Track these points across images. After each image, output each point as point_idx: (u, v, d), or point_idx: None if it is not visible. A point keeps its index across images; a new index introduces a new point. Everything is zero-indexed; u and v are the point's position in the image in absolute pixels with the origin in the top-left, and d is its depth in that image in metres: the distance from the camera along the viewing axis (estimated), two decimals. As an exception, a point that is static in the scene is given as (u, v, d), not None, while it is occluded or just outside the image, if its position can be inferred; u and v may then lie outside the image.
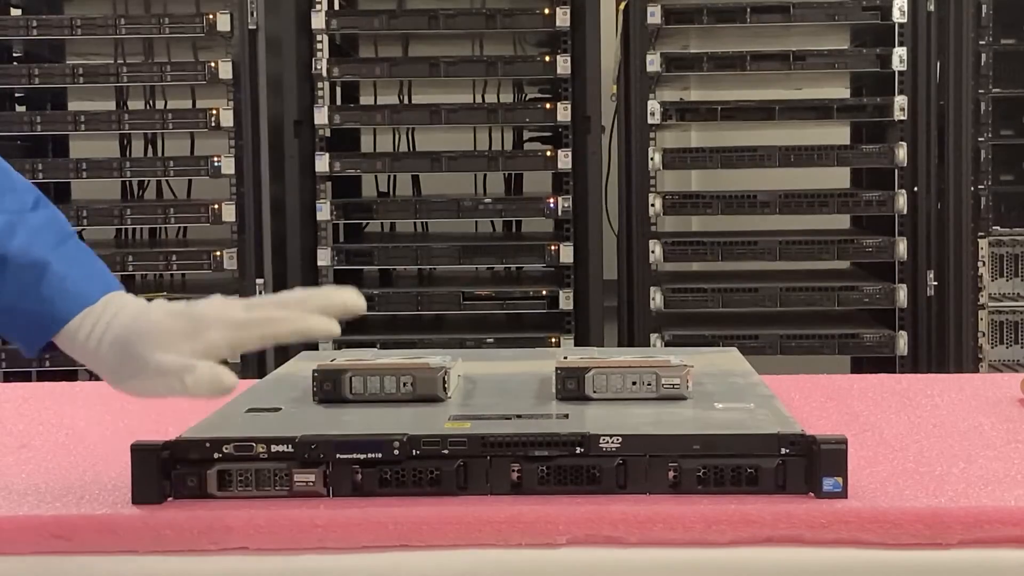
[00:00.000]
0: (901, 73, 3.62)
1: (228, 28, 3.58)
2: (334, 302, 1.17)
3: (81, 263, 1.19)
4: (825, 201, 3.65)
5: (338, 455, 1.15)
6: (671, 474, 1.15)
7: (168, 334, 1.14)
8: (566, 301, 3.64)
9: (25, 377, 3.56)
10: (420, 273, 4.02)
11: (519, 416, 1.24)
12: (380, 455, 1.15)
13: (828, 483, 1.13)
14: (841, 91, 4.00)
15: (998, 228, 3.86)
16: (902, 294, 3.63)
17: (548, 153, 3.67)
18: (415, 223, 3.97)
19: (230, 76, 3.59)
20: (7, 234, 1.16)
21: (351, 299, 1.18)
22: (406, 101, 3.91)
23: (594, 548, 1.10)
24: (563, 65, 3.61)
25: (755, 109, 3.68)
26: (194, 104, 3.81)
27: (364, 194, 4.05)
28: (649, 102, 3.63)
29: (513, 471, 1.15)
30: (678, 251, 3.67)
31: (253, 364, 3.60)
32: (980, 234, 3.72)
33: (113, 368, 1.16)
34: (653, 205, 3.65)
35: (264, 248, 3.65)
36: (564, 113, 3.62)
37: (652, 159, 3.65)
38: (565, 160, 3.63)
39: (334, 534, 1.11)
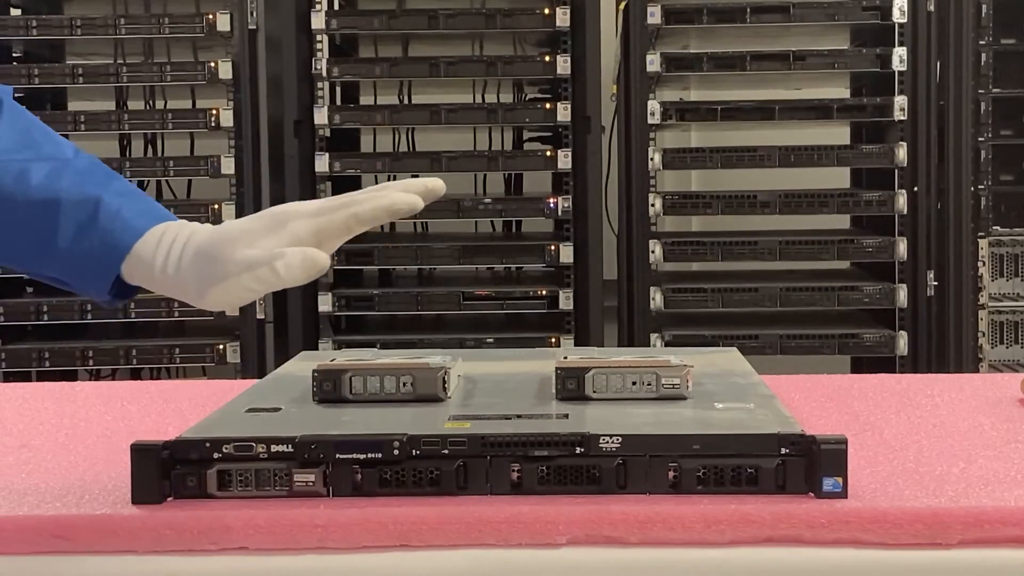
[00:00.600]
0: (901, 73, 3.62)
1: (228, 28, 3.58)
2: (414, 184, 1.17)
3: (134, 196, 1.18)
4: (825, 201, 3.65)
5: (338, 455, 1.15)
6: (671, 474, 1.15)
7: (251, 233, 1.13)
8: (566, 301, 3.64)
9: (25, 377, 3.56)
10: (420, 273, 4.02)
11: (519, 416, 1.24)
12: (380, 455, 1.15)
13: (828, 483, 1.13)
14: (841, 91, 4.00)
15: (998, 228, 3.86)
16: (902, 294, 3.64)
17: (548, 153, 3.67)
18: (415, 223, 3.97)
19: (230, 76, 3.59)
20: (55, 177, 1.15)
21: (432, 182, 1.17)
22: (406, 101, 3.91)
23: (594, 548, 1.10)
24: (563, 65, 3.61)
25: (755, 109, 3.68)
26: (194, 104, 3.81)
27: (364, 194, 4.04)
28: (649, 102, 3.63)
29: (513, 471, 1.15)
30: (678, 251, 3.68)
31: (253, 364, 3.60)
32: (980, 234, 3.73)
33: (198, 280, 1.13)
34: (653, 205, 3.65)
35: (264, 248, 3.64)
36: (564, 113, 3.63)
37: (652, 159, 3.65)
38: (565, 160, 3.63)
39: (334, 534, 1.11)
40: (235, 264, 1.12)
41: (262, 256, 1.11)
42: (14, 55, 3.80)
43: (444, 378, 1.33)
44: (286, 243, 1.13)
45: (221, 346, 3.59)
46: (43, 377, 3.55)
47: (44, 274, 1.19)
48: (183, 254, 1.14)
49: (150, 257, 1.15)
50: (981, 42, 3.72)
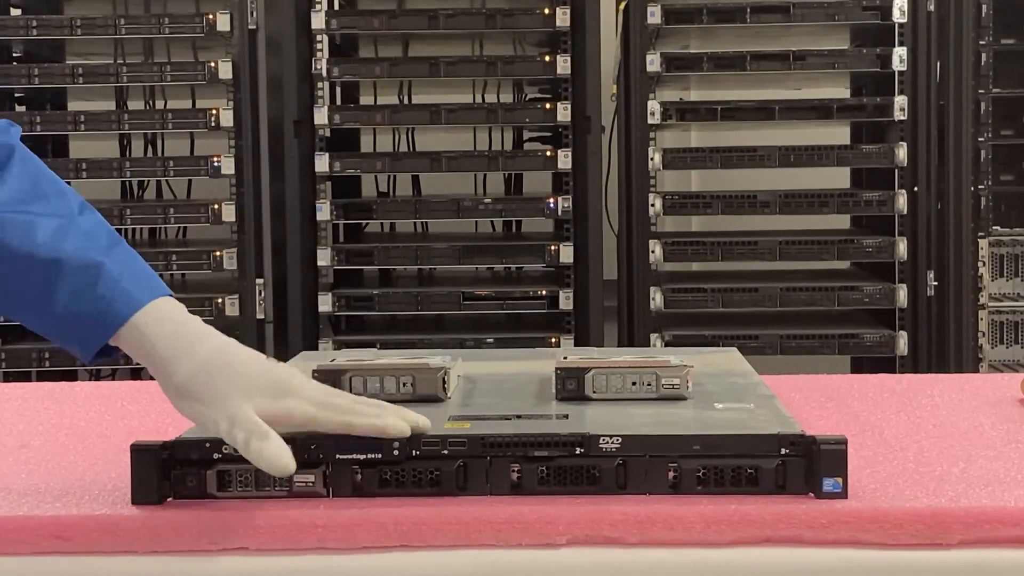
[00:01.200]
0: (901, 73, 3.62)
1: (228, 28, 3.58)
2: (409, 416, 1.17)
3: (134, 264, 1.19)
4: (825, 201, 3.65)
5: (338, 455, 1.15)
6: (671, 474, 1.15)
7: (254, 381, 1.14)
8: (566, 301, 3.64)
9: (25, 377, 3.56)
10: (420, 273, 4.02)
11: (519, 416, 1.24)
12: (380, 455, 1.15)
13: (828, 483, 1.13)
14: (841, 91, 4.00)
15: (998, 228, 3.86)
16: (902, 294, 3.64)
17: (548, 153, 3.67)
18: (415, 223, 3.97)
19: (230, 76, 3.59)
20: (60, 237, 1.16)
21: (423, 422, 1.17)
22: (406, 101, 3.91)
23: (594, 548, 1.10)
24: (563, 65, 3.61)
25: (755, 109, 3.68)
26: (194, 104, 3.81)
27: (364, 194, 4.05)
28: (649, 102, 3.63)
29: (513, 471, 1.15)
30: (678, 251, 3.67)
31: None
32: (980, 234, 3.73)
33: (180, 379, 1.15)
34: (653, 205, 3.65)
35: (264, 248, 3.65)
36: (564, 113, 3.63)
37: (652, 159, 3.65)
38: (565, 160, 3.63)
39: (334, 534, 1.11)
40: (222, 403, 1.13)
41: (248, 422, 1.12)
42: (14, 55, 3.80)
43: (444, 378, 1.33)
44: (274, 417, 1.13)
45: (221, 346, 3.59)
46: (43, 377, 3.55)
47: (31, 326, 1.19)
48: (189, 350, 1.15)
49: (148, 331, 1.16)
50: (981, 42, 3.72)
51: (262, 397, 1.14)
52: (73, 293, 1.15)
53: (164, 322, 1.16)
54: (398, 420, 1.15)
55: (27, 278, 1.15)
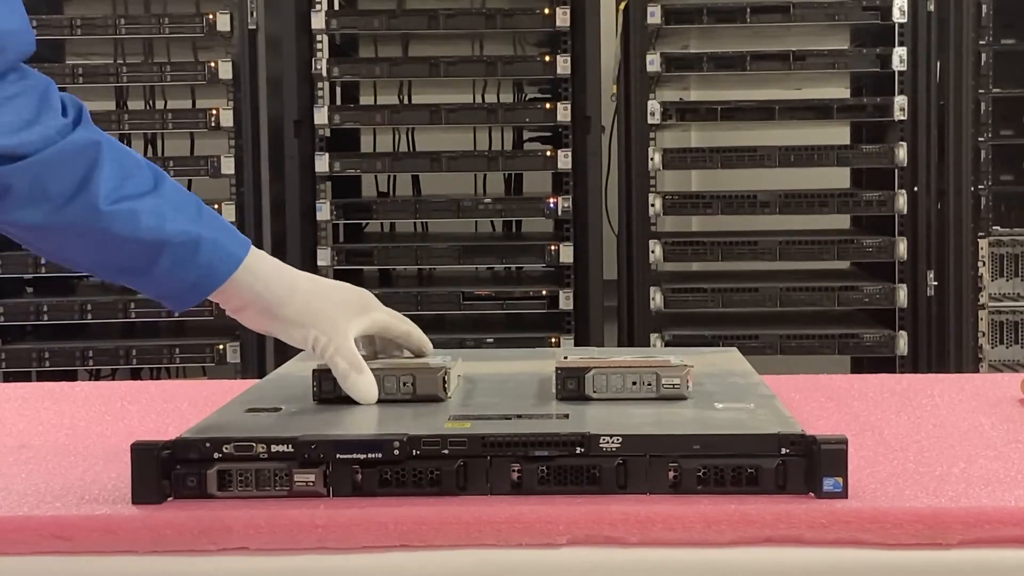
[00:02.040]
0: (901, 73, 3.62)
1: (228, 28, 3.58)
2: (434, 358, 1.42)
3: (220, 225, 1.30)
4: (825, 201, 3.65)
5: (338, 455, 1.15)
6: (671, 474, 1.15)
7: (349, 301, 1.35)
8: (566, 301, 3.64)
9: (25, 377, 3.56)
10: (420, 273, 4.02)
11: (519, 416, 1.24)
12: (380, 455, 1.15)
13: (828, 483, 1.13)
14: (841, 91, 4.00)
15: (998, 228, 3.86)
16: (902, 294, 3.64)
17: (548, 153, 3.67)
18: (415, 223, 3.97)
19: (230, 76, 3.59)
20: (160, 219, 1.25)
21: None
22: (406, 101, 3.91)
23: (594, 548, 1.10)
24: (563, 65, 3.61)
25: (755, 109, 3.68)
26: (194, 104, 3.81)
27: (364, 194, 4.05)
28: (649, 102, 3.63)
29: (513, 471, 1.15)
30: (678, 251, 3.67)
31: (253, 364, 3.60)
32: (980, 234, 3.73)
33: (293, 311, 1.31)
34: (653, 205, 3.65)
35: (264, 248, 3.63)
36: (564, 113, 3.63)
37: (652, 159, 3.65)
38: (565, 160, 3.63)
39: (334, 534, 1.11)
40: (335, 331, 1.32)
41: (351, 357, 1.31)
42: (14, 55, 3.79)
43: (444, 378, 1.33)
44: (368, 326, 1.36)
45: (221, 346, 3.60)
46: (43, 377, 3.55)
47: (128, 284, 1.31)
48: (292, 286, 1.32)
49: (253, 279, 1.30)
50: (981, 42, 3.72)
51: (357, 314, 1.34)
52: (176, 263, 1.26)
53: (261, 270, 1.31)
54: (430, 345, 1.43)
55: (134, 256, 1.25)
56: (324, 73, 3.65)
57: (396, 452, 1.15)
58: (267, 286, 1.31)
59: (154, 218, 1.25)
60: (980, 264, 3.72)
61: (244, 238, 1.32)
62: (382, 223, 3.95)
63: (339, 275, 3.73)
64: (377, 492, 1.15)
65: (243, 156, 3.62)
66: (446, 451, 1.15)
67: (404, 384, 1.33)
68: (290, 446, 1.15)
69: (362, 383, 1.31)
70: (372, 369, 1.32)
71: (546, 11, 3.61)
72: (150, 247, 1.24)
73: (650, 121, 3.63)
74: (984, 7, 3.70)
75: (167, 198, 1.27)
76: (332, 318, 1.32)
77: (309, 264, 3.65)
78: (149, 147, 3.89)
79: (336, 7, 3.77)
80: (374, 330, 1.37)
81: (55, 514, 1.13)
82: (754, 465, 1.15)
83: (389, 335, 1.40)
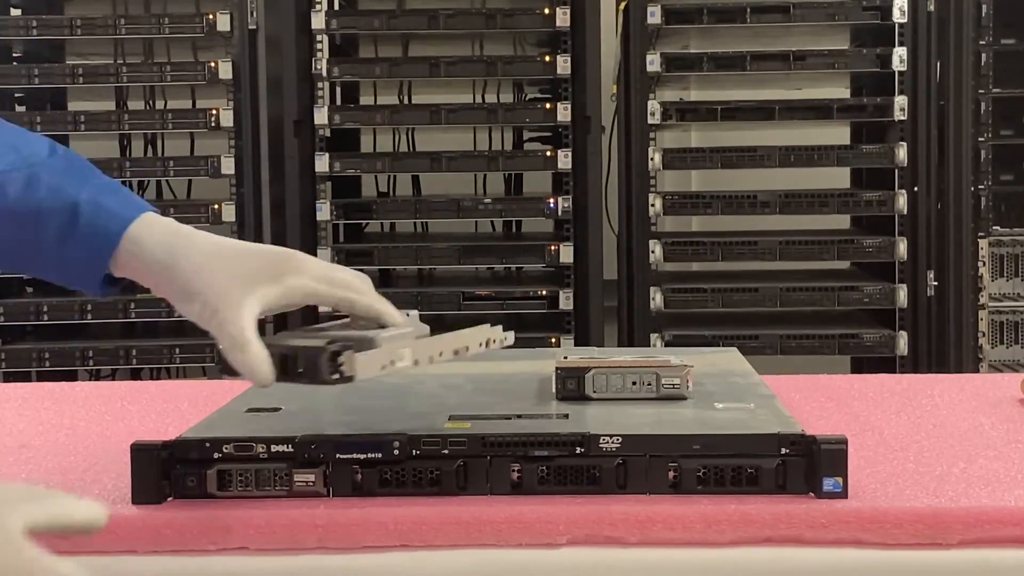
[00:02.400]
0: (901, 73, 3.62)
1: (228, 28, 3.58)
2: (398, 319, 1.18)
3: (111, 190, 1.18)
4: (825, 201, 3.65)
5: (338, 455, 1.15)
6: (671, 474, 1.15)
7: (253, 266, 1.13)
8: (566, 301, 3.64)
9: (25, 377, 3.56)
10: (420, 273, 4.02)
11: (519, 416, 1.24)
12: (380, 455, 1.15)
13: (828, 483, 1.13)
14: (841, 91, 4.00)
15: (998, 228, 3.86)
16: (902, 294, 3.63)
17: (548, 153, 3.67)
18: (415, 223, 3.97)
19: (230, 76, 3.59)
20: (33, 187, 1.15)
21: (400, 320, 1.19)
22: (406, 101, 3.91)
23: (594, 548, 1.10)
24: (563, 65, 3.61)
25: (755, 109, 3.68)
26: (194, 104, 3.81)
27: (364, 194, 4.05)
28: (649, 102, 3.63)
29: (513, 471, 1.15)
30: (678, 251, 3.67)
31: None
32: (980, 234, 3.73)
33: (182, 280, 1.13)
34: (653, 205, 3.65)
35: (264, 248, 3.64)
36: (564, 113, 3.62)
37: (652, 159, 3.65)
38: (565, 160, 3.63)
39: (334, 534, 1.11)
40: (226, 305, 1.10)
41: (234, 333, 1.09)
42: (14, 55, 3.80)
43: (336, 359, 1.12)
44: (278, 297, 1.12)
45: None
46: (43, 377, 3.55)
47: (38, 275, 1.20)
48: (186, 251, 1.14)
49: (141, 243, 1.15)
50: (981, 42, 3.72)
51: (262, 283, 1.12)
52: (59, 238, 1.14)
53: (155, 231, 1.16)
54: (393, 313, 1.17)
55: (15, 235, 1.15)
56: (324, 73, 3.65)
57: (396, 452, 1.15)
58: (155, 252, 1.14)
59: (25, 189, 1.15)
60: (980, 264, 3.72)
61: (139, 201, 1.18)
62: (382, 223, 3.95)
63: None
64: (377, 492, 1.15)
65: (243, 156, 3.62)
66: (446, 451, 1.15)
67: (292, 364, 1.14)
68: (290, 446, 1.16)
69: (246, 363, 1.09)
70: (270, 344, 1.16)
71: (546, 11, 3.61)
72: (24, 220, 1.14)
73: (650, 121, 3.63)
74: (984, 7, 3.70)
75: (49, 167, 1.16)
76: (224, 287, 1.11)
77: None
78: (149, 147, 3.89)
79: (336, 7, 3.77)
80: (287, 300, 1.14)
81: (55, 514, 1.13)
82: (754, 465, 1.15)
83: (315, 303, 1.16)
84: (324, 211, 3.65)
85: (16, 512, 0.84)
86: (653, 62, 3.61)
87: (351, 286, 1.16)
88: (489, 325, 1.23)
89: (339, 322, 1.21)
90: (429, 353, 1.16)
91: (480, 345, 1.21)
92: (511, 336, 1.24)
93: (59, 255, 1.15)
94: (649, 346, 3.56)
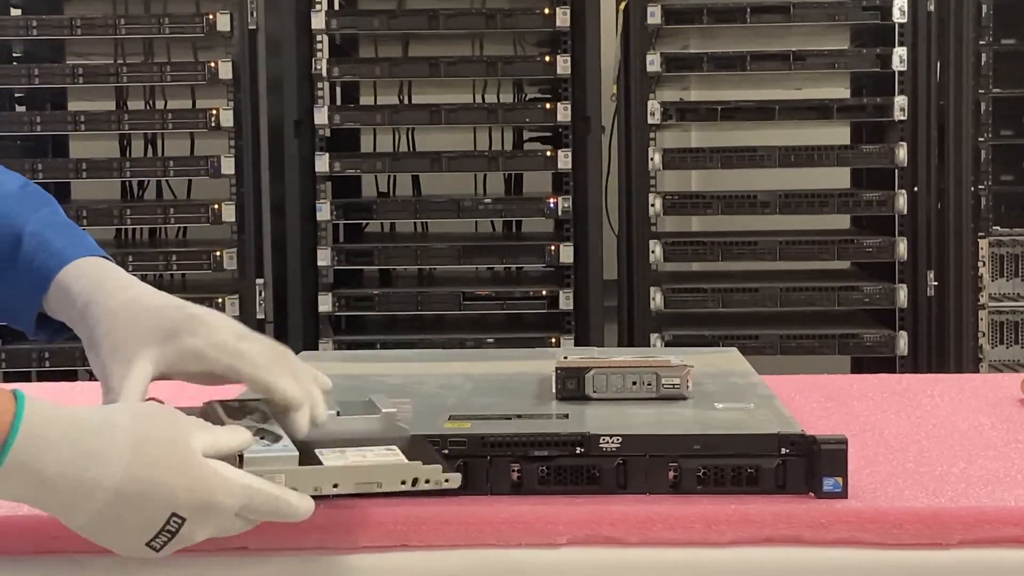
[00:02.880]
0: (901, 73, 3.62)
1: (228, 28, 3.58)
2: (316, 395, 1.10)
3: (60, 228, 1.13)
4: (825, 201, 3.65)
5: (338, 455, 1.15)
6: (671, 474, 1.15)
7: (151, 323, 1.07)
8: (566, 301, 3.64)
9: (25, 377, 3.56)
10: (420, 273, 4.02)
11: (519, 416, 1.24)
12: (380, 455, 1.15)
13: (828, 483, 1.13)
14: (841, 91, 4.00)
15: (998, 228, 3.86)
16: (902, 294, 3.63)
17: (548, 153, 3.67)
18: (415, 223, 3.97)
19: (230, 76, 3.59)
20: None
21: (320, 412, 1.10)
22: (406, 101, 3.91)
23: (594, 548, 1.10)
24: (563, 65, 3.61)
25: (755, 109, 3.68)
26: (194, 104, 3.81)
27: (364, 194, 4.05)
28: (649, 102, 3.63)
29: (513, 471, 1.15)
30: (678, 251, 3.67)
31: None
32: (980, 234, 3.72)
33: (90, 328, 1.07)
34: (653, 205, 3.65)
35: (264, 248, 3.65)
36: (564, 113, 3.62)
37: (652, 159, 3.65)
38: (565, 160, 3.63)
39: (334, 534, 1.10)
40: (116, 358, 1.05)
41: (108, 385, 1.04)
42: (14, 55, 3.80)
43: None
44: (169, 358, 1.06)
45: (221, 346, 3.58)
46: (43, 377, 3.55)
47: None
48: (105, 299, 1.08)
49: (69, 285, 1.10)
50: (981, 42, 3.72)
51: (156, 343, 1.06)
52: None
53: (82, 276, 1.10)
54: (289, 394, 1.06)
55: None
56: (324, 73, 3.65)
57: (396, 452, 1.15)
58: (76, 299, 1.08)
59: None
60: (980, 264, 3.72)
61: (89, 243, 1.12)
62: (382, 223, 3.95)
63: (339, 275, 3.73)
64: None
65: (243, 156, 3.62)
66: (446, 451, 1.15)
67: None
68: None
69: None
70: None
71: (546, 11, 3.61)
72: None
73: (650, 121, 3.63)
74: (984, 7, 3.70)
75: (7, 197, 1.12)
76: (119, 341, 1.06)
77: (309, 264, 3.65)
78: (149, 147, 3.89)
79: (336, 7, 3.77)
80: (179, 363, 1.07)
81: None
82: (754, 465, 1.15)
83: (206, 369, 1.07)
84: (324, 211, 3.65)
85: (196, 437, 0.95)
86: (653, 62, 3.61)
87: (244, 355, 1.07)
88: (420, 463, 1.05)
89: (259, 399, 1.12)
90: (315, 484, 1.02)
91: (403, 484, 1.04)
92: (454, 479, 1.05)
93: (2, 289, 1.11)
94: (649, 346, 3.56)
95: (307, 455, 1.03)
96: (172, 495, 0.93)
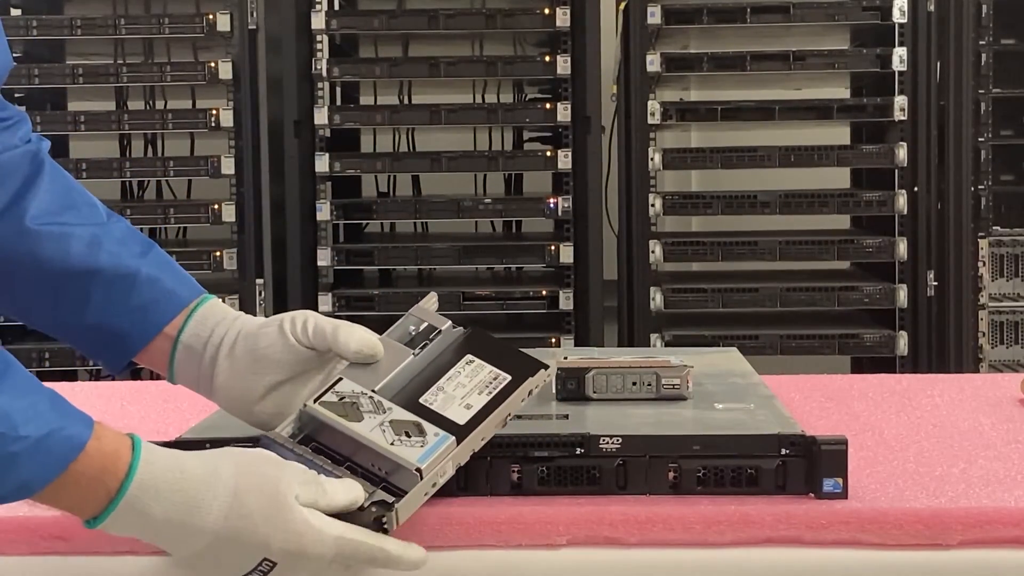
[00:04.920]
0: (901, 73, 3.62)
1: (228, 28, 3.58)
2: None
3: (170, 267, 1.19)
4: (825, 201, 3.65)
5: (338, 456, 1.15)
6: (671, 475, 1.15)
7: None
8: (566, 301, 3.64)
9: (25, 377, 3.55)
10: (420, 273, 4.02)
11: (519, 416, 1.24)
12: (380, 455, 1.15)
13: (828, 484, 1.13)
14: (841, 91, 4.00)
15: (998, 228, 3.86)
16: (902, 294, 3.63)
17: (548, 153, 3.67)
18: (415, 223, 3.97)
19: (230, 76, 3.59)
20: (95, 247, 1.16)
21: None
22: (406, 101, 3.91)
23: (594, 548, 1.10)
24: (563, 65, 3.61)
25: (755, 109, 3.68)
26: (194, 104, 3.81)
27: (364, 194, 4.05)
28: (649, 102, 3.63)
29: (513, 472, 1.15)
30: (678, 251, 3.67)
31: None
32: (980, 234, 3.73)
33: (239, 373, 1.17)
34: (653, 205, 3.65)
35: (264, 248, 3.65)
36: (564, 113, 3.62)
37: (652, 159, 3.65)
38: (565, 160, 3.63)
39: (334, 534, 1.10)
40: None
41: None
42: (14, 55, 3.78)
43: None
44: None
45: (221, 346, 3.59)
46: (43, 377, 3.50)
47: (64, 337, 1.20)
48: (237, 338, 1.17)
49: (202, 331, 1.17)
50: (981, 42, 3.72)
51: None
52: (108, 300, 1.16)
53: (209, 319, 1.18)
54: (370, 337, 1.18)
55: (63, 290, 1.16)
56: (324, 73, 3.65)
57: (396, 452, 1.15)
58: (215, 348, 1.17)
59: (88, 246, 1.15)
60: (980, 264, 3.72)
61: (192, 282, 1.19)
62: (382, 223, 3.95)
63: (339, 275, 3.73)
64: (377, 492, 1.15)
65: (243, 156, 3.62)
66: (446, 451, 1.15)
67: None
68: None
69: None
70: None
71: (546, 11, 3.61)
72: (80, 279, 1.15)
73: (650, 121, 3.63)
74: (984, 7, 3.70)
75: (110, 232, 1.18)
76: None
77: (309, 264, 3.65)
78: (149, 147, 3.89)
79: (336, 7, 3.77)
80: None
81: (54, 514, 1.13)
82: (754, 465, 1.15)
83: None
84: (324, 211, 3.65)
85: (296, 490, 1.02)
86: (653, 62, 3.61)
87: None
88: (533, 374, 1.14)
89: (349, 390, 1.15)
90: (472, 448, 1.11)
91: (522, 402, 1.15)
92: (552, 369, 1.17)
93: (102, 322, 1.16)
94: (649, 346, 3.56)
95: (433, 416, 1.10)
96: (265, 542, 1.02)
